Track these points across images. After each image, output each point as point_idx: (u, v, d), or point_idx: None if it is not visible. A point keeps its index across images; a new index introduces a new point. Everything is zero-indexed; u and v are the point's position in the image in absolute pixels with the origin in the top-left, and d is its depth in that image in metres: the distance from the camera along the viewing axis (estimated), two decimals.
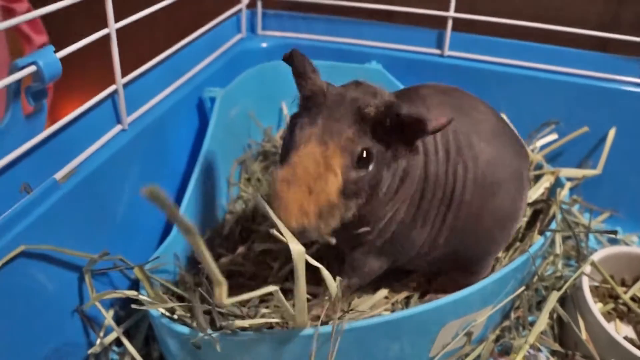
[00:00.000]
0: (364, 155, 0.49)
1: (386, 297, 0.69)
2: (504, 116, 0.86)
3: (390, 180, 0.54)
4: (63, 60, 0.52)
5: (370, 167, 0.50)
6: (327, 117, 0.50)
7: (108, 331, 0.62)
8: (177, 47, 0.74)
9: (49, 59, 0.49)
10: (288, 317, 0.49)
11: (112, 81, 0.62)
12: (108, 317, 0.58)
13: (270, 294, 0.46)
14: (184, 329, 0.51)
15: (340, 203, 0.49)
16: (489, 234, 0.61)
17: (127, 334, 0.62)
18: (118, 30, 0.60)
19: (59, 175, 0.55)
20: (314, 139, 0.49)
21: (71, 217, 0.56)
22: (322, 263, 0.71)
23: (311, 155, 0.49)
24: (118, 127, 0.64)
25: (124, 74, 0.63)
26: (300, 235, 0.48)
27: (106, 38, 0.59)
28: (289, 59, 0.54)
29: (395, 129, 0.50)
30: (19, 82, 0.49)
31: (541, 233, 0.68)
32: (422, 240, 0.60)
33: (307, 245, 0.49)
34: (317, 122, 0.50)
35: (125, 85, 0.63)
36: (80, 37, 0.55)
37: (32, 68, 0.48)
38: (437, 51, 0.90)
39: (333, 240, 0.52)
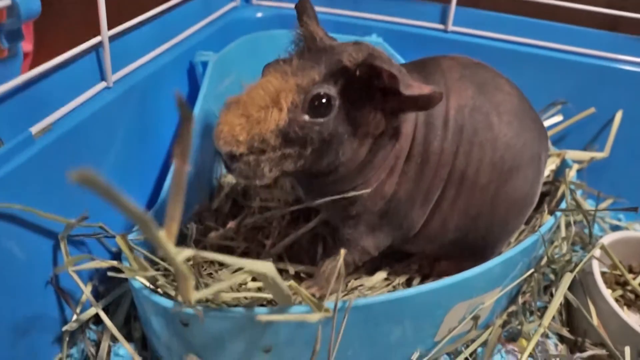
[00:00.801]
0: (322, 101, 0.46)
1: (386, 279, 0.65)
2: None
3: (357, 146, 0.49)
4: (46, 8, 0.47)
5: (325, 118, 0.46)
6: (304, 59, 0.47)
7: (85, 308, 0.57)
8: (168, 6, 0.69)
9: None
10: (278, 297, 0.45)
11: (97, 34, 0.57)
12: (86, 290, 0.53)
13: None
14: (169, 303, 0.46)
15: (277, 144, 0.46)
16: (504, 219, 0.57)
17: (106, 311, 0.57)
18: None
19: (34, 129, 0.50)
20: (278, 72, 0.47)
21: (46, 177, 0.51)
22: (318, 240, 0.68)
23: (265, 85, 0.46)
24: (102, 84, 0.59)
25: (110, 29, 0.58)
26: (229, 160, 0.46)
27: None
28: (297, 6, 0.52)
29: (366, 85, 0.46)
30: None
31: (551, 213, 0.64)
32: (422, 221, 0.56)
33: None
34: (292, 61, 0.47)
35: (111, 40, 0.58)
36: None
37: (7, 1, 0.43)
38: (441, 26, 0.86)
39: (266, 181, 0.48)
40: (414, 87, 0.44)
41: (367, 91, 0.47)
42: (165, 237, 0.30)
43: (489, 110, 0.54)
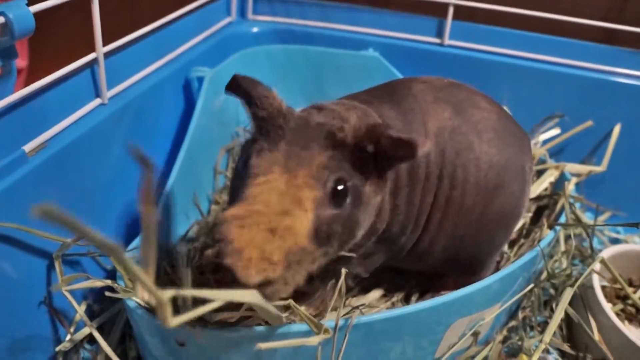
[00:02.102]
0: (341, 187, 0.41)
1: (384, 295, 0.64)
2: (504, 109, 0.83)
3: (372, 211, 0.46)
4: (41, 24, 0.46)
5: (347, 203, 0.42)
6: (291, 142, 0.41)
7: (79, 327, 0.56)
8: (163, 22, 0.69)
9: (20, 10, 0.43)
10: (268, 318, 0.43)
11: (92, 51, 0.56)
12: (79, 309, 0.52)
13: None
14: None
15: (313, 248, 0.40)
16: (491, 236, 0.57)
17: (101, 330, 0.56)
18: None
19: (28, 147, 0.49)
20: (277, 166, 0.40)
21: (40, 196, 0.50)
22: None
23: (274, 186, 0.39)
24: (97, 101, 0.58)
25: (105, 45, 0.57)
26: (262, 291, 0.37)
27: (88, 1, 0.53)
28: (232, 85, 0.45)
29: (377, 155, 0.43)
30: None
31: (551, 227, 0.64)
32: (412, 244, 0.56)
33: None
34: (279, 147, 0.41)
35: (106, 56, 0.58)
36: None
37: (0, 19, 0.42)
38: (437, 40, 0.86)
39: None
40: (423, 145, 0.40)
41: (361, 161, 0.43)
42: (143, 273, 0.29)
43: (468, 130, 0.53)
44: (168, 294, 0.29)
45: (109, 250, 0.26)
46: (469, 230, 0.55)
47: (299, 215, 0.39)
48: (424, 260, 0.58)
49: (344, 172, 0.42)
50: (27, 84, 0.50)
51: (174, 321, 0.30)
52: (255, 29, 0.89)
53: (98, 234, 0.25)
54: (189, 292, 0.32)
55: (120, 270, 0.50)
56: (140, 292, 0.29)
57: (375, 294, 0.64)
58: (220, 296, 0.33)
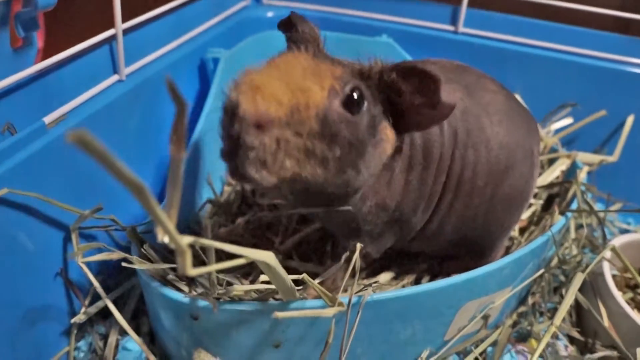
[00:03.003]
0: (356, 96, 0.40)
1: (394, 278, 0.64)
2: (517, 97, 0.83)
3: (376, 162, 0.45)
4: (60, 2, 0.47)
5: (358, 117, 0.40)
6: (322, 56, 0.43)
7: (94, 301, 0.56)
8: (181, 2, 0.69)
9: None
10: (281, 288, 0.44)
11: (111, 27, 0.57)
12: (95, 281, 0.52)
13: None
14: (179, 296, 0.46)
15: (314, 130, 0.38)
16: (501, 218, 0.57)
17: (115, 305, 0.56)
18: None
19: (47, 119, 0.50)
20: (302, 56, 0.41)
21: (59, 167, 0.50)
22: (326, 238, 0.67)
23: (299, 60, 0.40)
24: (115, 77, 0.59)
25: (124, 22, 0.58)
26: (250, 129, 0.36)
27: None
28: (287, 23, 0.48)
29: (385, 98, 0.43)
30: (7, 6, 0.43)
31: (562, 213, 0.64)
32: (422, 224, 0.56)
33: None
34: (308, 51, 0.43)
35: (124, 33, 0.58)
36: None
37: None
38: (451, 27, 0.86)
39: (273, 180, 0.39)
40: (445, 92, 0.41)
41: (385, 105, 0.44)
42: (165, 215, 0.30)
43: (479, 112, 0.53)
44: (187, 240, 0.30)
45: (135, 187, 0.26)
46: (479, 211, 0.55)
47: (316, 89, 0.38)
48: (434, 241, 0.58)
49: (363, 89, 0.41)
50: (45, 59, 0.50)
51: (193, 271, 0.30)
52: (270, 14, 0.89)
53: (127, 170, 0.25)
54: (208, 242, 0.32)
55: (136, 244, 0.51)
56: (160, 235, 0.29)
57: (386, 276, 0.64)
58: (238, 251, 0.34)
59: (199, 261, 0.56)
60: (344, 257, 0.49)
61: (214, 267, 0.34)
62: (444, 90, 0.40)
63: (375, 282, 0.50)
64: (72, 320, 0.54)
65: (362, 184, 0.45)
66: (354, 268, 0.48)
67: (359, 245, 0.47)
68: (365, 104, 0.41)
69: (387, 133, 0.44)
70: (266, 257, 0.37)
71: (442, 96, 0.40)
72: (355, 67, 0.43)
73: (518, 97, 0.82)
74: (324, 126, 0.38)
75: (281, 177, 0.39)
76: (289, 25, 0.49)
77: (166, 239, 0.29)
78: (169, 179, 0.30)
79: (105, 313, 0.56)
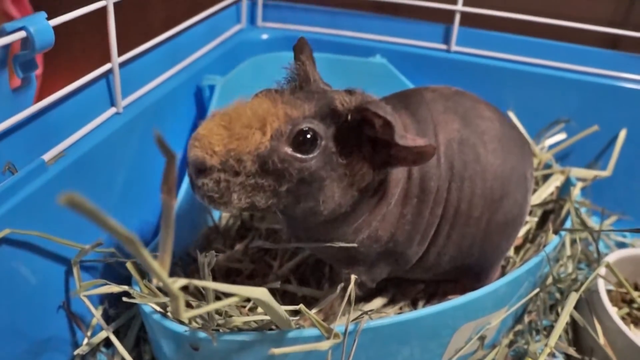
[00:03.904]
0: (307, 136, 0.43)
1: (391, 300, 0.65)
2: (510, 114, 0.84)
3: (339, 196, 0.46)
4: (56, 35, 0.47)
5: (308, 156, 0.43)
6: (296, 95, 0.46)
7: (96, 331, 0.57)
8: (174, 32, 0.70)
9: (41, 25, 0.45)
10: (277, 320, 0.45)
11: (106, 62, 0.58)
12: (96, 313, 0.53)
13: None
14: (180, 327, 0.47)
15: (253, 169, 0.43)
16: (496, 245, 0.58)
17: (117, 334, 0.57)
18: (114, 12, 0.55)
19: (47, 156, 0.51)
20: (269, 98, 0.45)
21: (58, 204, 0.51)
22: (324, 262, 0.68)
23: (254, 106, 0.44)
24: (112, 110, 0.60)
25: (119, 56, 0.59)
26: (195, 173, 0.43)
27: (103, 13, 0.55)
28: (297, 47, 0.51)
29: (357, 133, 0.45)
30: (5, 49, 0.44)
31: (556, 232, 0.65)
32: (418, 256, 0.56)
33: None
34: (283, 92, 0.46)
35: (120, 67, 0.59)
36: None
37: (22, 34, 0.44)
38: (444, 46, 0.87)
39: (230, 209, 0.45)
40: (407, 138, 0.42)
41: (357, 140, 0.45)
42: (156, 264, 0.31)
43: (476, 142, 0.53)
44: (180, 283, 0.31)
45: (125, 239, 0.27)
46: (475, 240, 0.56)
47: (255, 134, 0.43)
48: (432, 271, 0.59)
49: (321, 129, 0.44)
50: (43, 95, 0.51)
51: (186, 314, 0.32)
52: (264, 36, 0.90)
53: (117, 224, 0.26)
54: (202, 283, 0.33)
55: (136, 277, 0.52)
56: (155, 280, 0.30)
57: (383, 299, 0.65)
58: (231, 290, 0.35)
59: (198, 291, 0.58)
60: (339, 287, 0.49)
61: (206, 308, 0.35)
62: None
63: (371, 310, 0.51)
64: (76, 352, 0.55)
65: (333, 213, 0.48)
66: (349, 297, 0.49)
67: (353, 277, 0.47)
68: (322, 142, 0.44)
69: (357, 167, 0.46)
70: (259, 294, 0.37)
71: (397, 139, 0.42)
72: (331, 103, 0.45)
73: (511, 114, 0.84)
74: (264, 165, 0.43)
75: (236, 207, 0.44)
76: (297, 50, 0.51)
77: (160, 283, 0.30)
78: (162, 224, 0.31)
79: (108, 342, 0.57)
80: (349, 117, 0.44)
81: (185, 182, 0.66)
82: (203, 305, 0.54)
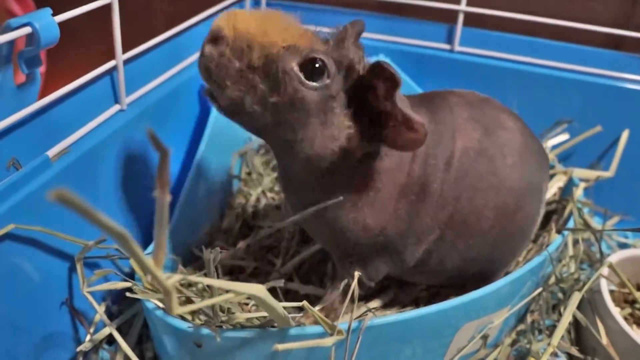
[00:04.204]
0: (317, 65, 0.44)
1: (393, 299, 0.65)
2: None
3: (319, 141, 0.46)
4: (60, 31, 0.48)
5: (309, 83, 0.44)
6: (327, 40, 0.47)
7: (98, 328, 0.57)
8: (178, 30, 0.71)
9: (46, 21, 0.45)
10: (275, 317, 0.44)
11: (109, 59, 0.58)
12: (99, 309, 0.53)
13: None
14: (182, 324, 0.47)
15: (256, 64, 0.44)
16: (504, 256, 0.58)
17: (119, 331, 0.57)
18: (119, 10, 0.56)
19: (51, 152, 0.51)
20: (305, 27, 0.46)
21: None
22: (327, 260, 0.68)
23: (291, 21, 0.45)
24: (116, 107, 0.60)
25: (124, 53, 0.59)
26: (209, 37, 0.44)
27: (107, 11, 0.55)
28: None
29: (361, 96, 0.45)
30: (10, 45, 0.44)
31: (559, 232, 0.65)
32: (415, 258, 0.55)
33: None
34: (316, 33, 0.47)
35: (124, 64, 0.59)
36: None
37: (27, 29, 0.44)
38: (447, 46, 0.87)
39: (221, 97, 0.46)
40: (406, 107, 0.42)
41: (359, 104, 0.46)
42: (150, 261, 0.31)
43: (495, 153, 0.52)
44: (174, 279, 0.31)
45: (117, 236, 0.27)
46: (482, 251, 0.55)
47: (277, 36, 0.44)
48: (433, 276, 0.59)
49: (333, 70, 0.45)
50: (47, 91, 0.51)
51: (179, 309, 0.32)
52: None
53: (108, 220, 0.26)
54: (196, 279, 0.33)
55: (139, 273, 0.52)
56: (149, 278, 0.30)
57: (384, 298, 0.65)
58: (227, 286, 0.34)
59: (203, 288, 0.58)
60: (341, 285, 0.49)
61: (199, 305, 0.35)
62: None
63: (374, 308, 0.51)
64: (78, 349, 0.54)
65: (309, 162, 0.48)
66: (353, 294, 0.49)
67: (357, 274, 0.47)
68: (326, 80, 0.45)
69: (347, 124, 0.46)
70: (256, 290, 0.37)
71: (397, 100, 0.42)
72: (349, 57, 0.45)
73: None
74: (267, 66, 0.44)
75: (225, 93, 0.45)
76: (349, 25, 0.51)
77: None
78: (156, 221, 0.31)
79: (110, 339, 0.57)
80: (361, 73, 0.45)
81: (190, 177, 0.65)
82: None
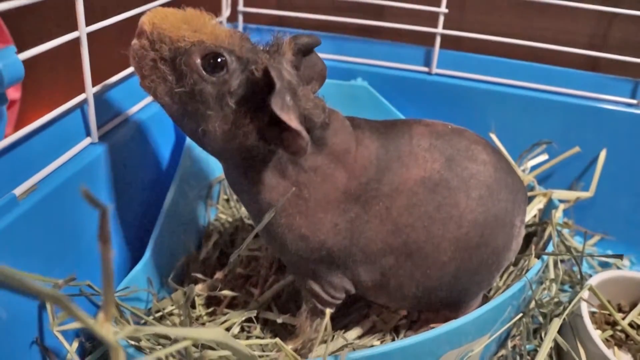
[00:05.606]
0: (218, 60, 0.47)
1: (372, 327, 0.64)
2: (492, 136, 0.84)
3: (221, 135, 0.48)
4: (32, 69, 0.47)
5: (206, 76, 0.47)
6: (247, 41, 0.49)
7: None
8: None
9: (9, 59, 0.44)
10: (242, 358, 0.43)
11: (82, 89, 0.57)
12: (70, 349, 0.52)
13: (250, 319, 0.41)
14: None
15: (166, 57, 0.47)
16: (467, 288, 0.57)
17: None
18: (89, 42, 0.55)
19: (18, 190, 0.50)
20: (224, 27, 0.49)
21: (31, 238, 0.51)
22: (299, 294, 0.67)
23: (207, 19, 0.49)
24: (87, 140, 0.59)
25: (94, 85, 0.58)
26: (137, 31, 0.48)
27: (76, 45, 0.54)
28: None
29: (261, 97, 0.46)
30: None
31: (538, 257, 0.64)
32: (369, 277, 0.55)
33: None
34: (237, 31, 0.50)
35: (96, 96, 0.59)
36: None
37: None
38: (425, 69, 0.87)
39: (144, 84, 0.50)
40: (287, 111, 0.43)
41: (258, 103, 0.47)
42: (92, 319, 0.30)
43: (458, 186, 0.52)
44: (123, 333, 0.30)
45: (54, 299, 0.27)
46: (443, 282, 0.54)
47: (187, 31, 0.47)
48: (396, 300, 0.58)
49: (234, 68, 0.47)
50: (20, 115, 0.51)
51: None
52: None
53: (43, 288, 0.25)
54: (149, 330, 0.32)
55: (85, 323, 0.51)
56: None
57: (364, 326, 0.64)
58: (183, 334, 0.33)
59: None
60: (304, 312, 0.48)
61: (156, 354, 0.34)
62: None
63: (351, 343, 0.50)
64: None
65: (220, 154, 0.51)
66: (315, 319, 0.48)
67: (328, 311, 0.47)
68: (224, 75, 0.47)
69: (244, 122, 0.47)
70: (215, 335, 0.36)
71: (272, 103, 0.42)
72: (254, 58, 0.47)
73: (493, 136, 0.84)
74: (174, 59, 0.47)
75: (145, 83, 0.49)
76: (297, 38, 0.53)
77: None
78: (102, 275, 0.30)
79: None
80: (255, 72, 0.46)
81: (165, 207, 0.65)
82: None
